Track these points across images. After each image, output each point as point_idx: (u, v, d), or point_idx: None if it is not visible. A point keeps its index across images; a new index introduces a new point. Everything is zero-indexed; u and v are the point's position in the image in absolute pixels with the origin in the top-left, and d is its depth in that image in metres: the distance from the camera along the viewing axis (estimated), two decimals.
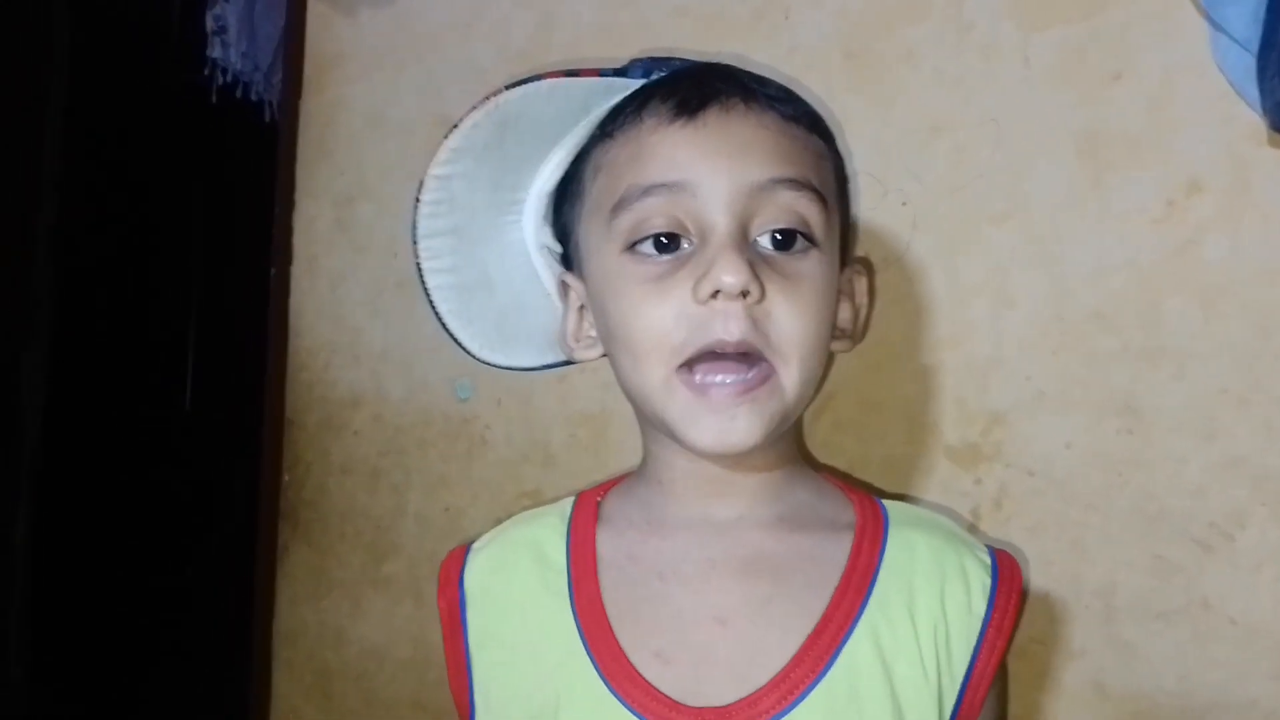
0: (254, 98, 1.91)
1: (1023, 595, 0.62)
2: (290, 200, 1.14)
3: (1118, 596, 0.69)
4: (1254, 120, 0.65)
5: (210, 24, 1.80)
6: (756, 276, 0.56)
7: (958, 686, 0.60)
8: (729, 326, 0.56)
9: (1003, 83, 0.74)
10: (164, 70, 1.84)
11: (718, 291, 0.56)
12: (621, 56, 0.89)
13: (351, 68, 1.10)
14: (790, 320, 0.58)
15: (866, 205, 0.78)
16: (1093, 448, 0.70)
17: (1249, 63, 0.64)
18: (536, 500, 0.96)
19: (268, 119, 1.88)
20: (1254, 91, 0.64)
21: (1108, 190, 0.71)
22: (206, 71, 1.85)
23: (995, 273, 0.74)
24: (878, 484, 0.78)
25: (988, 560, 0.63)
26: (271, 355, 1.15)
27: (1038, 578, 0.72)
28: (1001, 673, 0.63)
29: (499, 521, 0.97)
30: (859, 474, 0.78)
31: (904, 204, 0.77)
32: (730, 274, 0.55)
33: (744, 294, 0.56)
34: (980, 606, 0.61)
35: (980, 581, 0.62)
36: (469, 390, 0.99)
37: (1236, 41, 0.65)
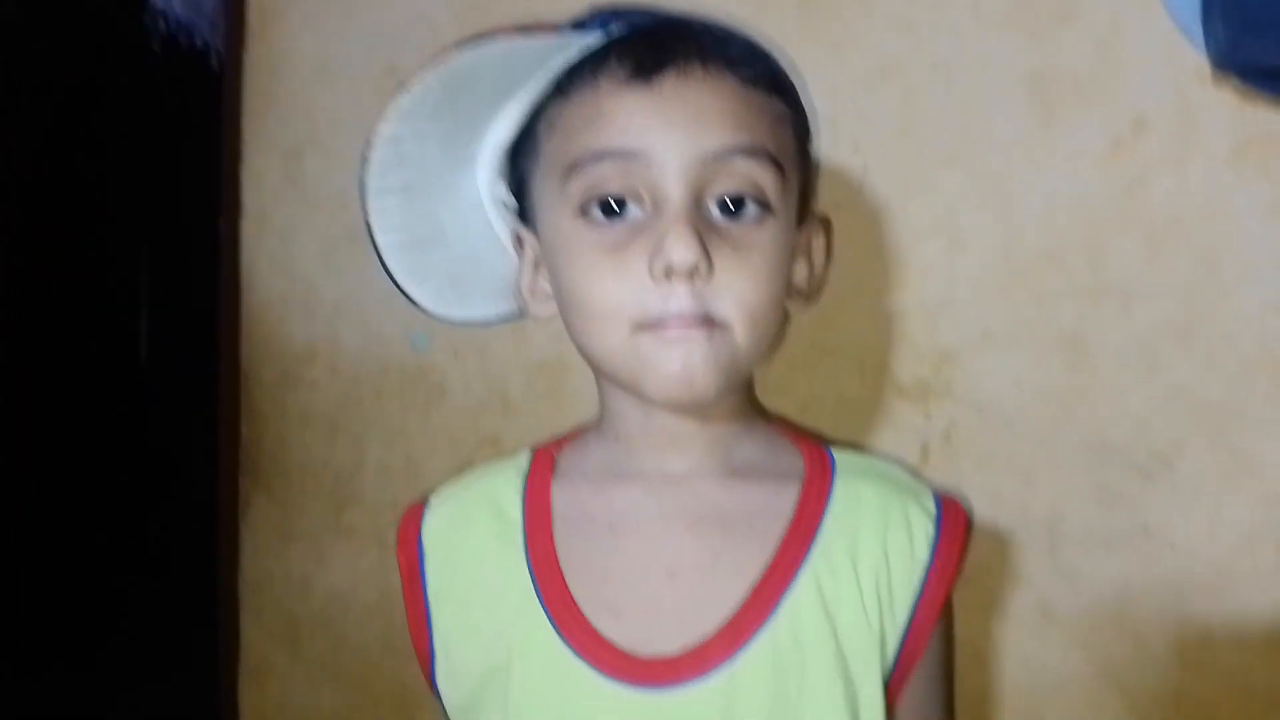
0: (199, 44, 1.86)
1: (966, 541, 0.64)
2: (237, 153, 1.12)
3: (1063, 525, 0.72)
4: (1199, 60, 0.66)
5: None
6: (706, 253, 0.56)
7: (900, 631, 0.61)
8: (682, 305, 0.56)
9: (952, 25, 0.75)
10: (101, 19, 1.78)
11: (669, 267, 0.56)
12: (571, 5, 0.88)
13: (296, 16, 1.08)
14: (739, 291, 0.58)
15: (819, 150, 0.78)
16: (1040, 383, 0.72)
17: (1194, 3, 0.65)
18: (497, 448, 0.97)
19: (215, 65, 1.83)
20: (1199, 31, 0.65)
21: (1056, 131, 0.72)
22: (147, 20, 1.79)
23: (946, 215, 0.75)
24: (831, 423, 0.79)
25: (932, 508, 0.64)
26: (224, 310, 1.13)
27: (986, 509, 0.74)
28: (946, 616, 0.65)
29: (460, 469, 0.99)
30: (812, 413, 0.80)
31: (856, 148, 0.78)
32: (680, 251, 0.55)
33: (694, 271, 0.56)
34: (923, 553, 0.62)
35: (924, 529, 0.63)
36: (425, 341, 0.99)
37: None
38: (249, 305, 1.12)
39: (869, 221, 0.78)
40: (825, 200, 0.79)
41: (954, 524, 0.64)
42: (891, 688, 0.62)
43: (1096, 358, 0.71)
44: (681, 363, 0.57)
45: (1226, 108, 0.67)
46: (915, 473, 0.76)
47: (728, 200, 0.59)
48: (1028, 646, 0.73)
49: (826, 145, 0.78)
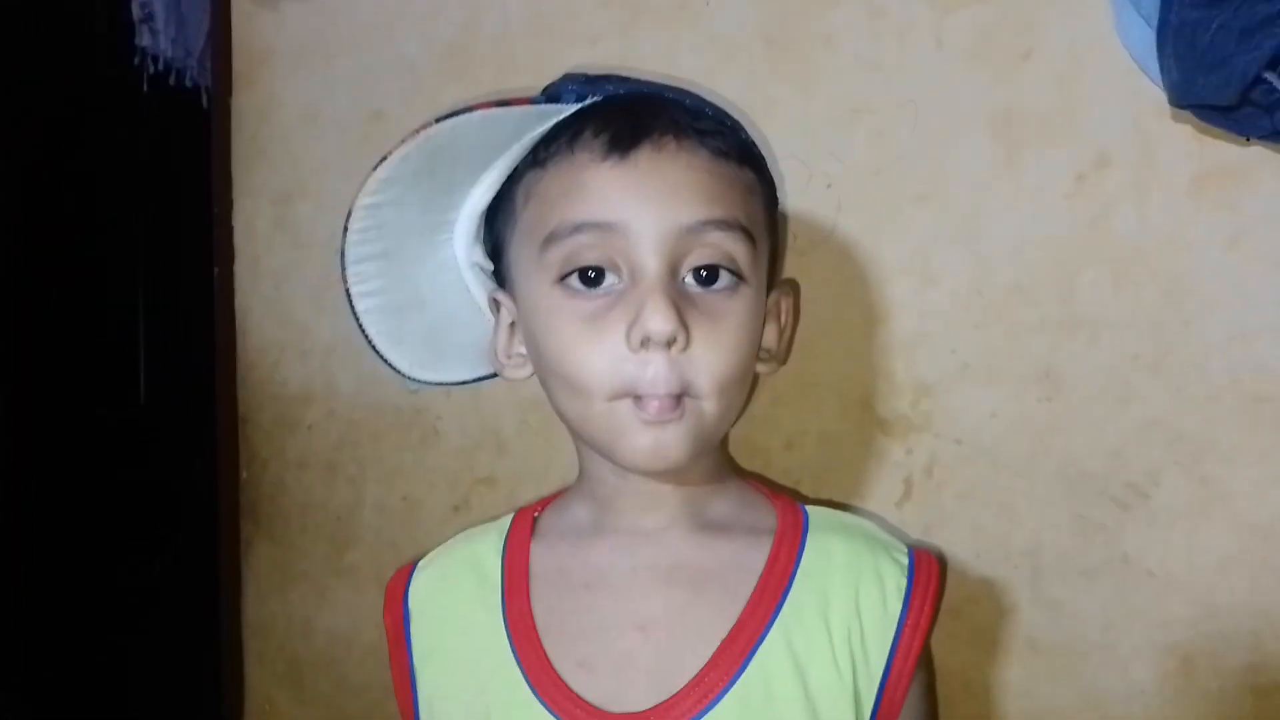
0: (189, 84, 1.88)
1: (939, 593, 0.65)
2: (228, 199, 1.14)
3: (1044, 556, 0.73)
4: (1158, 94, 0.67)
5: (137, 11, 1.77)
6: (683, 322, 0.58)
7: (875, 686, 0.62)
8: (656, 381, 0.58)
9: (918, 64, 0.76)
10: (92, 62, 1.80)
11: (647, 337, 0.58)
12: (549, 48, 0.90)
13: (281, 63, 1.09)
14: (713, 363, 0.60)
15: (792, 189, 0.79)
16: (1016, 416, 0.73)
17: (1150, 38, 0.66)
18: (491, 487, 0.98)
19: (206, 105, 1.85)
20: (1155, 66, 0.66)
21: (1022, 167, 0.73)
22: (137, 61, 1.81)
23: (918, 251, 0.76)
24: (816, 458, 0.80)
25: (904, 561, 0.66)
26: (221, 355, 1.15)
27: (968, 541, 0.75)
28: (925, 667, 0.66)
29: (456, 509, 1.00)
30: (797, 449, 0.81)
31: (828, 186, 0.79)
32: (657, 322, 0.57)
33: (671, 342, 0.58)
34: (895, 607, 0.63)
35: (895, 583, 0.64)
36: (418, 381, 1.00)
37: (1141, 16, 0.67)
38: (245, 349, 1.14)
39: (843, 258, 0.79)
40: (801, 239, 0.80)
41: (927, 578, 0.65)
42: None
43: (1070, 389, 0.72)
44: (654, 439, 0.59)
45: (1185, 141, 0.68)
46: (894, 522, 0.77)
47: (701, 270, 0.61)
48: (1015, 678, 0.74)
49: (800, 184, 0.80)
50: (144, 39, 1.76)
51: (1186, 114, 0.67)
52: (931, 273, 0.76)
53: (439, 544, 0.76)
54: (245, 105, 1.12)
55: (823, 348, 0.80)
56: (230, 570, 1.14)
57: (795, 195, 0.79)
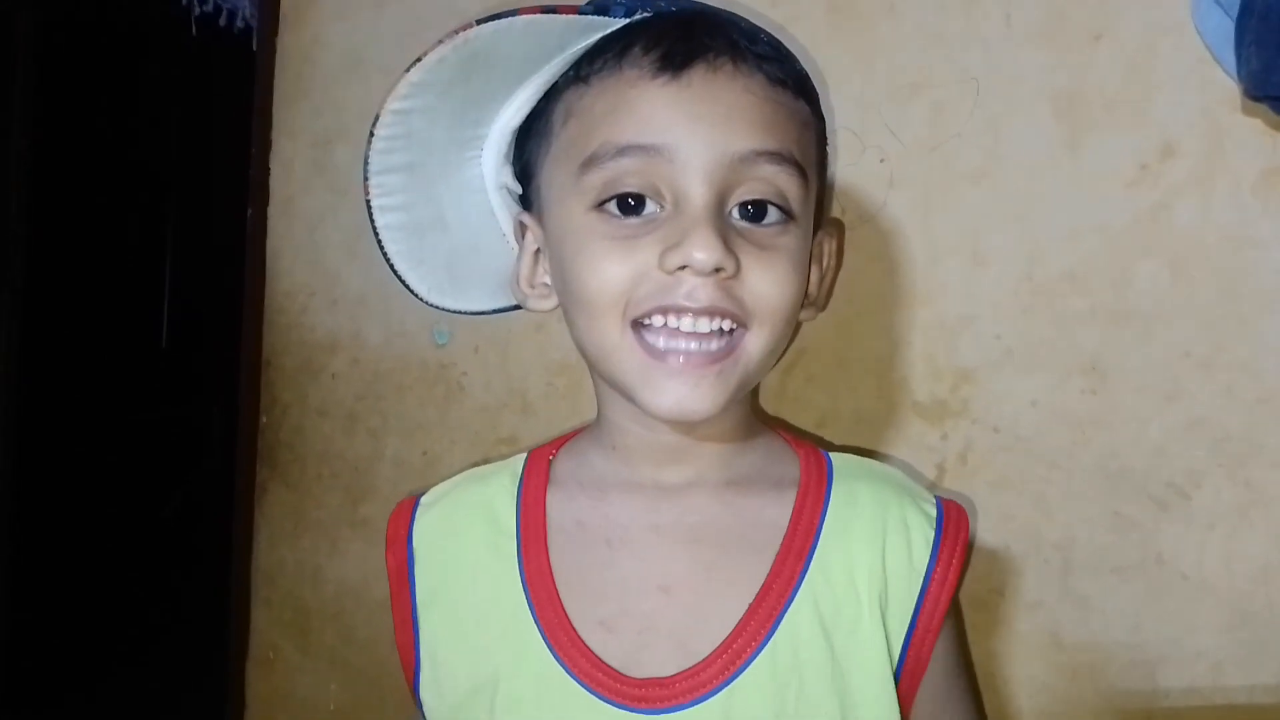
0: (239, 26, 1.86)
1: (969, 546, 0.62)
2: (267, 140, 1.13)
3: (1076, 551, 0.71)
4: (1230, 86, 0.65)
5: None
6: (731, 251, 0.55)
7: (901, 641, 0.60)
8: (695, 295, 0.55)
9: (984, 40, 0.74)
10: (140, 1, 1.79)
11: (685, 265, 0.55)
12: None
13: (329, 5, 1.08)
14: (765, 287, 0.57)
15: (844, 161, 0.78)
16: (1058, 406, 0.72)
17: (1228, 28, 0.64)
18: (514, 447, 0.97)
19: (255, 48, 1.83)
20: (1231, 57, 0.64)
21: (1083, 152, 0.71)
22: (185, 1, 1.80)
23: (969, 232, 0.75)
24: (847, 438, 0.79)
25: (933, 511, 0.63)
26: (249, 297, 1.14)
27: (999, 531, 0.73)
28: (954, 618, 0.64)
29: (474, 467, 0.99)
30: (829, 427, 0.79)
31: (881, 161, 0.77)
32: (703, 251, 0.54)
33: (717, 270, 0.55)
34: (922, 560, 0.61)
35: (923, 533, 0.61)
36: (446, 336, 1.00)
37: (1219, 5, 0.65)
38: (273, 293, 1.13)
39: (891, 235, 0.77)
40: (849, 213, 0.79)
41: (956, 529, 0.62)
42: (902, 695, 0.60)
43: (1116, 383, 0.70)
44: (682, 388, 0.56)
45: (1255, 136, 0.66)
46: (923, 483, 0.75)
47: (749, 205, 0.58)
48: (1037, 672, 0.73)
49: (851, 157, 0.78)
50: None
51: (1258, 108, 0.65)
52: (981, 255, 0.74)
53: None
54: (291, 45, 1.11)
55: (863, 326, 0.78)
56: (244, 514, 1.13)
57: (846, 168, 0.78)
